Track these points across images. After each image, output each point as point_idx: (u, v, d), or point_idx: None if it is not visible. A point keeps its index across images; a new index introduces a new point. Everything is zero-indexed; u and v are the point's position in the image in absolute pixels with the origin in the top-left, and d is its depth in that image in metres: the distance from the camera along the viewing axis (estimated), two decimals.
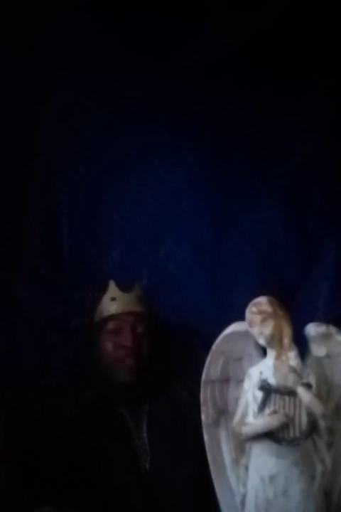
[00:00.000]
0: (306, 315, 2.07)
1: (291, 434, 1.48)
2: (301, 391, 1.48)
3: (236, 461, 1.56)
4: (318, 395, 1.48)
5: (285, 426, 1.47)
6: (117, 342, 2.05)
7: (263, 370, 1.52)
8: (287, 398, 1.49)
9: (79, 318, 2.19)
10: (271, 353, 1.52)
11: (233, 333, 1.58)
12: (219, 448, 1.59)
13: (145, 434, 2.02)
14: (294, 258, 2.41)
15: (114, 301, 2.06)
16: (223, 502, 1.58)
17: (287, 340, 1.51)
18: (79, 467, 1.93)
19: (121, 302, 2.06)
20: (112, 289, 2.07)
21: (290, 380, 1.49)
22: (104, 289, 2.08)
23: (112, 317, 2.06)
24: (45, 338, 2.37)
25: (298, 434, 1.48)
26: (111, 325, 2.06)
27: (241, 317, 1.55)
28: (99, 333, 2.07)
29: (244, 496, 1.54)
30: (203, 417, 1.60)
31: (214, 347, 1.59)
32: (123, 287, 2.07)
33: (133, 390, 2.04)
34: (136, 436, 2.02)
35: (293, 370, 1.50)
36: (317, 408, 1.47)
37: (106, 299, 2.07)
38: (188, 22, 2.35)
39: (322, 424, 1.48)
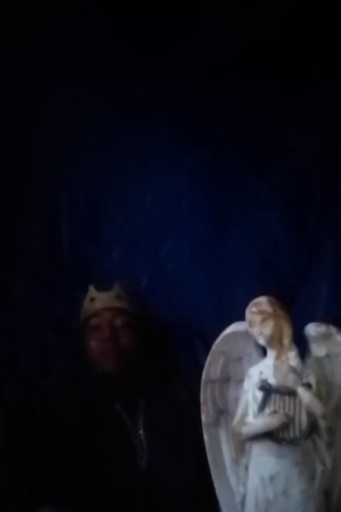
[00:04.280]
0: (306, 315, 2.07)
1: (291, 434, 1.48)
2: (301, 391, 1.48)
3: (236, 461, 1.56)
4: (318, 395, 1.49)
5: (285, 426, 1.48)
6: (99, 337, 2.11)
7: (263, 370, 1.52)
8: (287, 398, 1.49)
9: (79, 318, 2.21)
10: (271, 353, 1.52)
11: (233, 333, 1.58)
12: (219, 448, 1.59)
13: (141, 431, 2.03)
14: (294, 258, 2.41)
15: (93, 301, 2.15)
16: (223, 502, 1.58)
17: (287, 340, 1.52)
18: (79, 466, 1.93)
19: (100, 300, 2.15)
20: (91, 291, 2.17)
21: (290, 380, 1.49)
22: (85, 294, 2.17)
23: (92, 315, 2.14)
24: (45, 338, 2.37)
25: (298, 434, 1.48)
26: (92, 322, 2.14)
27: (241, 317, 1.55)
28: (85, 334, 2.14)
29: (244, 496, 1.54)
30: (203, 417, 1.60)
31: (214, 347, 1.60)
32: (101, 287, 2.16)
33: (127, 385, 2.06)
34: (133, 434, 2.02)
35: (293, 370, 1.50)
36: (317, 408, 1.47)
37: (86, 300, 2.17)
38: (188, 22, 2.35)
39: (322, 424, 1.48)
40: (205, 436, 1.60)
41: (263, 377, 1.51)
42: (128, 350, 2.10)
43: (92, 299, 2.15)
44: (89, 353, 2.12)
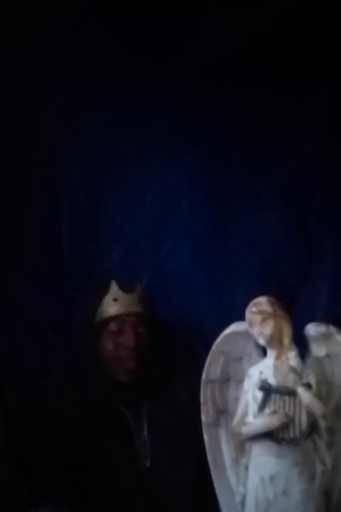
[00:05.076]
0: (306, 315, 2.06)
1: (291, 434, 1.48)
2: (301, 391, 1.48)
3: (236, 461, 1.56)
4: (318, 395, 1.49)
5: (285, 426, 1.48)
6: (119, 342, 2.06)
7: (263, 370, 1.52)
8: (287, 398, 1.49)
9: (81, 318, 2.20)
10: (271, 353, 1.52)
11: (233, 333, 1.58)
12: (219, 448, 1.59)
13: (145, 432, 2.03)
14: (294, 258, 2.41)
15: (115, 302, 2.07)
16: (223, 502, 1.58)
17: (287, 340, 1.52)
18: (80, 466, 1.93)
19: (123, 303, 2.07)
20: (114, 289, 2.08)
21: (290, 380, 1.49)
22: (105, 290, 2.09)
23: (114, 318, 2.07)
24: (45, 338, 2.37)
25: (298, 434, 1.48)
26: (113, 326, 2.07)
27: (241, 317, 1.55)
28: (100, 334, 2.08)
29: (244, 496, 1.54)
30: (203, 417, 1.60)
31: (214, 347, 1.60)
32: (125, 288, 2.09)
33: (132, 388, 2.05)
34: (136, 434, 2.02)
35: (293, 370, 1.50)
36: (317, 408, 1.47)
37: (107, 299, 2.08)
38: (188, 22, 2.35)
39: (322, 424, 1.48)
40: (205, 436, 1.60)
41: (263, 377, 1.51)
42: (146, 360, 2.07)
43: (115, 300, 2.07)
44: (103, 354, 2.07)
